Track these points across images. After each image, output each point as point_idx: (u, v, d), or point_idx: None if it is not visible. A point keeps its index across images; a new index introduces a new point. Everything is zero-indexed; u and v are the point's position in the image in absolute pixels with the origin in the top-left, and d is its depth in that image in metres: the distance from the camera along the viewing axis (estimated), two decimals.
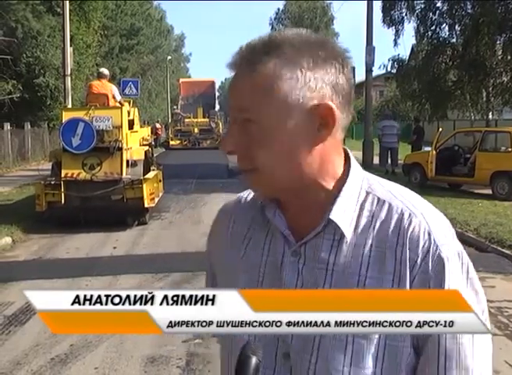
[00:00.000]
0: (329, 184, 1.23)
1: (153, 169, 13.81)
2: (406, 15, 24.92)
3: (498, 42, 23.12)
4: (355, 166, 1.26)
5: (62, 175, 11.70)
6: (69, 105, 21.89)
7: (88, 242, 10.65)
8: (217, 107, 56.56)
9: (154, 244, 10.46)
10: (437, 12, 24.28)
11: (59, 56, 25.29)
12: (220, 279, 1.46)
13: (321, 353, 1.18)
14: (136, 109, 14.66)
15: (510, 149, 15.60)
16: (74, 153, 11.71)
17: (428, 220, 1.19)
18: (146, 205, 11.96)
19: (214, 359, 5.41)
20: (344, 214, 1.20)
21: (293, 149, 1.17)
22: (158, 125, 49.43)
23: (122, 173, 11.89)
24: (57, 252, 9.97)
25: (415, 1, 24.97)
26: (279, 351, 1.25)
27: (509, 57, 22.42)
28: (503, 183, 15.38)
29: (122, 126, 12.17)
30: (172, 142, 43.58)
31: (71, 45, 23.76)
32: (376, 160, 22.38)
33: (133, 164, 12.21)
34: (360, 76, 26.68)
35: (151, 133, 25.90)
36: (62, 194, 11.55)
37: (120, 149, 11.96)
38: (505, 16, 21.77)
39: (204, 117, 46.01)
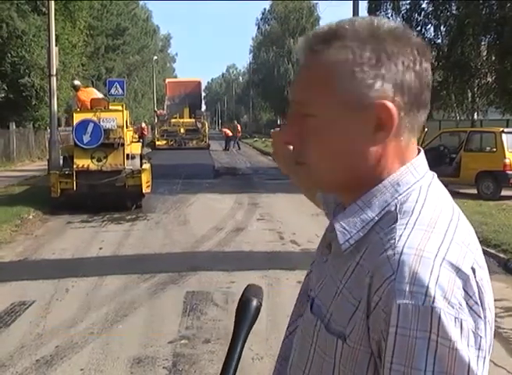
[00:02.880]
0: (361, 190, 1.13)
1: (145, 162, 15.44)
2: (391, 15, 25.02)
3: (483, 43, 23.27)
4: (403, 175, 1.12)
5: (75, 166, 13.88)
6: (55, 105, 22.07)
7: (74, 243, 10.61)
8: (203, 107, 56.51)
9: (141, 245, 10.44)
10: (422, 12, 24.41)
11: (45, 56, 25.13)
12: None
13: (297, 349, 1.20)
14: (128, 111, 16.68)
15: (494, 149, 15.72)
16: (84, 148, 13.93)
17: (405, 258, 0.99)
18: (143, 191, 14.33)
19: (200, 360, 5.41)
20: (349, 223, 1.11)
21: (344, 149, 1.10)
22: (143, 125, 49.32)
23: (124, 165, 14.23)
24: (43, 253, 9.91)
25: (400, 2, 25.10)
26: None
27: (493, 58, 22.57)
28: (488, 183, 15.49)
29: (123, 126, 14.46)
30: (158, 142, 43.58)
31: (56, 45, 23.61)
32: None
33: (132, 157, 14.61)
34: None
35: (136, 132, 26.21)
36: (74, 182, 13.79)
37: (122, 145, 14.25)
38: (489, 17, 21.92)
39: (190, 117, 46.03)
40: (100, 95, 16.32)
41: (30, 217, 13.02)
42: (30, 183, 19.44)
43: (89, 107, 14.83)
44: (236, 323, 1.27)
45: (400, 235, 1.03)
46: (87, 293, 7.51)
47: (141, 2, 72.32)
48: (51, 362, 5.40)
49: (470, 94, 24.00)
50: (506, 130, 16.38)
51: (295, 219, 12.52)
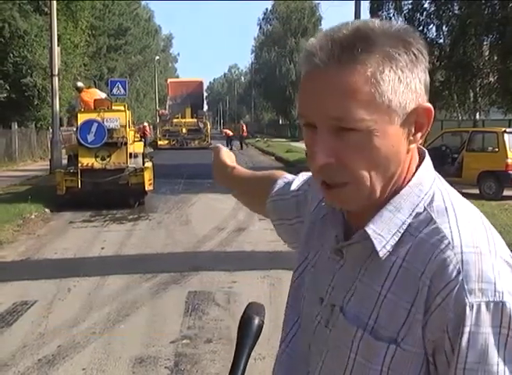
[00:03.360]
0: (388, 193, 1.11)
1: (147, 161, 15.97)
2: (393, 15, 25.03)
3: (485, 43, 23.25)
4: (422, 175, 1.13)
5: (80, 165, 14.36)
6: (57, 105, 22.31)
7: (76, 242, 10.62)
8: (205, 107, 56.51)
9: (142, 245, 10.44)
10: (424, 12, 24.40)
11: (47, 56, 25.19)
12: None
13: (327, 359, 1.16)
14: (130, 112, 16.99)
15: (496, 149, 15.70)
16: (89, 147, 14.41)
17: (467, 257, 1.01)
18: (146, 189, 14.73)
19: (202, 359, 5.41)
20: (383, 229, 1.09)
21: (391, 158, 1.07)
22: (145, 124, 49.30)
23: (127, 163, 14.69)
24: (45, 253, 9.92)
25: (403, 2, 25.09)
26: (306, 342, 1.23)
27: (495, 58, 22.55)
28: (490, 183, 15.48)
29: (126, 126, 14.93)
30: (160, 142, 43.59)
31: (58, 45, 23.68)
32: None
33: (135, 156, 15.17)
34: None
35: (138, 132, 26.40)
36: (79, 180, 14.24)
37: (125, 144, 14.68)
38: (491, 17, 21.89)
39: (192, 117, 46.04)
40: (103, 95, 16.90)
41: (33, 217, 13.03)
42: (32, 183, 19.45)
43: (92, 107, 15.27)
44: (238, 341, 1.24)
45: (451, 235, 1.04)
46: (89, 293, 7.51)
47: (143, 2, 72.53)
48: (53, 361, 5.40)
49: (472, 94, 23.99)
50: (508, 130, 16.35)
51: None
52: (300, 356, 1.26)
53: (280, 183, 1.57)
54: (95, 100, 15.58)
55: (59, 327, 6.26)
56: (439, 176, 1.16)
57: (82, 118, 14.84)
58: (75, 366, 5.31)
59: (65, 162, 21.13)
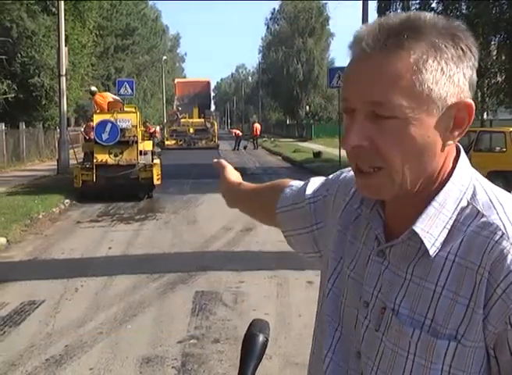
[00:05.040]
0: (433, 188, 1.12)
1: (155, 158, 17.39)
2: None
3: (492, 42, 23.18)
4: (462, 170, 1.13)
5: (95, 160, 15.89)
6: (64, 105, 22.72)
7: (83, 242, 10.63)
8: (212, 107, 56.57)
9: (150, 245, 10.45)
10: (432, 12, 24.33)
11: (54, 56, 25.27)
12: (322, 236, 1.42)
13: (382, 364, 1.14)
14: (139, 113, 18.43)
15: (504, 149, 15.66)
16: (103, 145, 15.96)
17: None
18: (154, 183, 16.22)
19: (209, 360, 5.41)
20: (431, 226, 1.09)
21: (426, 150, 1.07)
22: (154, 128, 49.17)
23: (137, 160, 16.24)
24: (52, 253, 9.94)
25: (410, 2, 25.05)
26: (353, 349, 1.21)
27: (503, 57, 22.49)
28: (498, 183, 15.00)
29: (137, 126, 16.51)
30: (167, 142, 43.61)
31: (66, 45, 23.77)
32: None
33: (145, 153, 16.78)
34: None
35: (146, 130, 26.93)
36: (94, 175, 15.71)
37: (136, 142, 16.29)
38: (499, 17, 21.83)
39: (199, 117, 46.09)
40: (115, 98, 18.52)
41: (40, 217, 13.06)
42: (40, 183, 19.48)
43: (106, 109, 16.98)
44: (242, 359, 1.23)
45: (504, 226, 1.04)
46: (96, 292, 7.52)
47: (150, 2, 72.73)
48: (61, 361, 5.41)
49: (479, 94, 23.91)
50: None
51: None
52: (348, 364, 1.23)
53: (288, 191, 1.55)
54: (109, 102, 17.28)
55: (67, 327, 6.27)
56: (475, 170, 1.16)
57: (97, 119, 16.27)
58: (82, 366, 5.32)
59: (72, 162, 21.42)
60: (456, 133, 1.09)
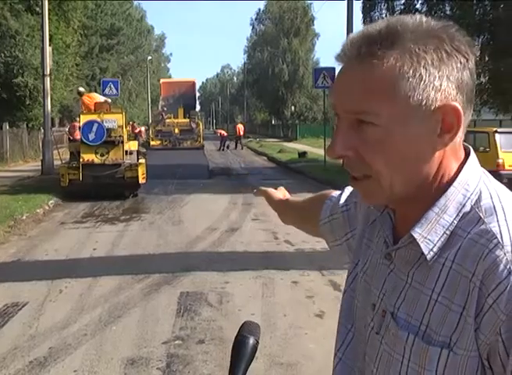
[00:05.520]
0: (432, 194, 1.10)
1: (141, 158, 17.93)
2: (386, 16, 25.06)
3: (476, 43, 23.30)
4: (467, 174, 1.11)
5: (81, 160, 16.24)
6: (49, 106, 22.64)
7: (68, 244, 10.58)
8: (198, 107, 56.54)
9: (135, 245, 10.41)
10: (416, 13, 24.36)
11: (38, 56, 25.14)
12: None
13: (380, 366, 1.14)
14: (125, 113, 18.75)
15: (488, 149, 15.74)
16: (90, 145, 16.28)
17: None
18: (140, 182, 16.60)
19: (194, 360, 5.40)
20: (430, 231, 1.08)
21: (412, 156, 1.06)
22: (139, 128, 49.07)
23: (123, 159, 16.56)
24: (36, 254, 9.88)
25: (395, 3, 25.14)
26: (361, 350, 1.22)
27: (487, 58, 22.62)
28: None
29: (123, 126, 16.83)
30: (152, 142, 43.54)
31: (50, 45, 23.62)
32: None
33: (130, 153, 17.15)
34: None
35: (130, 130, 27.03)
36: (81, 174, 16.10)
37: (122, 142, 16.59)
38: (483, 18, 21.97)
39: (184, 117, 46.07)
40: (102, 99, 18.72)
41: (24, 218, 12.98)
42: (24, 183, 19.37)
43: (93, 110, 17.23)
44: (232, 362, 1.22)
45: (501, 234, 1.02)
46: (80, 294, 7.48)
47: (135, 2, 72.36)
48: (44, 363, 5.37)
49: None
50: (499, 130, 16.43)
51: None
52: (356, 365, 1.24)
53: (328, 203, 1.57)
54: (96, 103, 17.58)
55: (50, 329, 6.23)
56: (487, 173, 1.14)
57: (84, 119, 16.63)
58: (66, 368, 5.29)
59: (56, 162, 21.34)
60: (447, 137, 1.06)
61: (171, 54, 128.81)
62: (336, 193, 1.60)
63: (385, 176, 1.07)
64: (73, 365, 5.34)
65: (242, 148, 44.73)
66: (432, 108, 1.04)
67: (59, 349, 5.69)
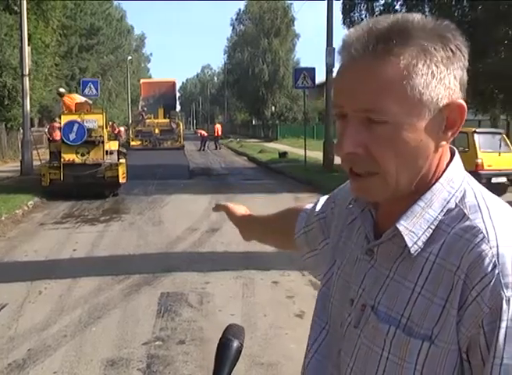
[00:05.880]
0: (419, 190, 1.12)
1: (121, 157, 17.99)
2: (365, 16, 25.15)
3: None
4: (453, 172, 1.14)
5: (62, 160, 16.45)
6: (28, 106, 22.51)
7: (47, 244, 10.51)
8: (178, 107, 56.45)
9: (115, 246, 10.37)
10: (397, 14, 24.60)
11: (17, 56, 24.93)
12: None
13: (358, 360, 1.15)
14: (105, 113, 18.98)
15: (467, 149, 15.85)
16: (70, 144, 16.51)
17: (503, 250, 1.01)
18: (120, 182, 16.78)
19: (174, 361, 5.39)
20: (415, 225, 1.10)
21: (420, 153, 1.08)
22: (119, 128, 48.92)
23: (103, 159, 16.78)
24: (15, 255, 9.80)
25: (374, 3, 25.23)
26: (336, 347, 1.23)
27: None
28: None
29: (103, 126, 17.10)
30: (133, 143, 43.40)
31: (29, 45, 23.44)
32: (337, 160, 22.57)
33: (111, 153, 17.33)
34: (321, 76, 26.78)
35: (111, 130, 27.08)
36: (62, 173, 16.30)
37: (102, 142, 16.83)
38: (461, 19, 22.12)
39: (164, 118, 46.01)
40: (83, 99, 18.90)
41: (3, 219, 12.87)
42: (3, 184, 19.21)
43: (73, 110, 17.39)
44: (216, 365, 1.22)
45: (486, 229, 1.04)
46: (60, 295, 7.44)
47: (115, 2, 72.07)
48: (24, 365, 5.34)
49: None
50: (478, 130, 16.56)
51: None
52: (330, 362, 1.25)
53: (303, 215, 1.57)
54: (76, 103, 17.76)
55: (30, 331, 6.19)
56: (469, 174, 1.17)
57: (65, 119, 16.87)
58: (46, 370, 5.26)
59: (36, 163, 21.23)
60: (450, 133, 1.09)
61: (151, 54, 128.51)
62: (309, 206, 1.60)
63: (392, 173, 1.08)
64: (53, 366, 5.31)
65: (219, 148, 44.74)
66: (441, 105, 1.06)
67: (38, 351, 5.65)
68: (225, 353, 1.24)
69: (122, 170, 16.90)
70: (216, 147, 45.27)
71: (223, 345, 1.25)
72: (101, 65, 62.54)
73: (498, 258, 1.00)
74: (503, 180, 15.97)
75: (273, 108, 66.86)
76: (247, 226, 1.88)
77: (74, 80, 49.11)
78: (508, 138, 17.02)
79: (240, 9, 73.79)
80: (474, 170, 15.32)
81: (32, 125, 27.01)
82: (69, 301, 7.22)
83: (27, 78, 22.69)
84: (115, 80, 70.30)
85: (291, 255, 9.27)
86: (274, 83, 65.75)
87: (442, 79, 1.06)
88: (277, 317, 6.55)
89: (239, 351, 1.26)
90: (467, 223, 1.06)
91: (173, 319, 6.51)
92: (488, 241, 1.02)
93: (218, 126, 48.33)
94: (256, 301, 7.14)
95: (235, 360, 1.24)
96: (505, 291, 0.98)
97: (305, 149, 24.00)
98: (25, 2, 22.72)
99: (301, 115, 45.69)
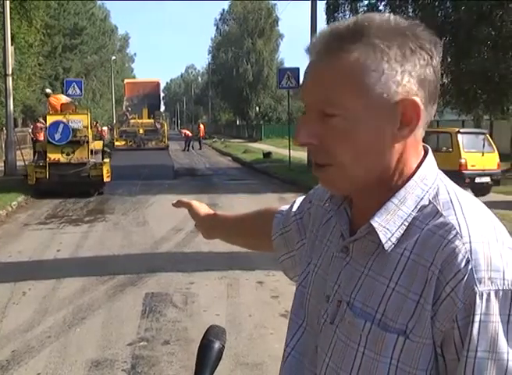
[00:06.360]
0: (392, 187, 1.14)
1: (105, 157, 18.29)
2: (349, 17, 25.16)
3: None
4: (426, 170, 1.15)
5: (48, 159, 16.79)
6: (11, 106, 22.45)
7: (31, 245, 10.45)
8: (162, 108, 56.36)
9: (99, 247, 10.33)
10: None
11: (0, 55, 24.75)
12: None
13: (334, 356, 1.16)
14: (90, 114, 19.45)
15: (451, 149, 15.95)
16: (56, 144, 16.86)
17: (475, 246, 1.02)
18: (104, 180, 17.19)
19: (159, 361, 5.38)
20: (389, 221, 1.11)
21: (372, 147, 1.10)
22: (101, 127, 48.71)
23: (88, 158, 17.14)
24: None
25: (358, 4, 25.32)
26: (313, 344, 1.24)
27: (449, 59, 22.91)
28: None
29: (88, 127, 17.53)
30: (117, 143, 43.29)
31: (12, 44, 23.31)
32: None
33: (95, 152, 17.67)
34: None
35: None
36: (47, 172, 16.65)
37: (87, 142, 17.19)
38: (444, 20, 22.24)
39: (149, 118, 45.96)
40: (68, 100, 19.53)
41: None
42: None
43: (59, 110, 17.90)
44: (197, 366, 1.22)
45: (459, 225, 1.06)
46: (44, 296, 7.40)
47: (99, 2, 71.52)
48: (7, 367, 5.31)
49: None
50: (461, 130, 16.66)
51: None
52: (306, 358, 1.26)
53: (279, 217, 1.57)
54: (62, 104, 18.28)
55: (13, 332, 6.15)
56: (441, 172, 1.19)
57: (50, 119, 17.34)
58: (29, 371, 5.23)
59: (19, 163, 21.09)
60: (406, 130, 1.10)
61: (135, 54, 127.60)
62: (284, 207, 1.61)
63: (346, 166, 1.11)
64: (37, 367, 5.29)
65: (200, 148, 44.66)
66: (393, 101, 1.08)
67: (23, 352, 5.62)
68: (207, 354, 1.24)
69: (106, 169, 17.22)
70: (201, 147, 45.24)
71: (205, 346, 1.25)
72: (85, 65, 62.26)
73: (471, 253, 1.02)
74: (487, 179, 16.08)
75: (257, 108, 66.95)
76: (212, 225, 1.87)
77: (58, 80, 48.88)
78: (491, 138, 17.13)
79: (223, 9, 73.94)
80: (458, 170, 15.41)
81: (15, 125, 26.75)
82: (53, 302, 7.18)
83: (10, 78, 22.57)
84: (99, 80, 70.02)
85: (275, 256, 9.31)
86: (258, 84, 65.83)
87: (394, 76, 1.07)
88: (262, 317, 6.56)
89: (220, 352, 1.26)
90: (441, 219, 1.08)
91: (158, 319, 6.50)
92: (461, 237, 1.04)
93: (201, 126, 48.36)
94: (241, 301, 7.14)
95: (217, 361, 1.24)
96: (478, 286, 1.00)
97: (289, 149, 24.02)
98: (8, 2, 22.59)
99: (286, 115, 45.69)
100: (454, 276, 1.01)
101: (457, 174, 15.42)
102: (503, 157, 17.97)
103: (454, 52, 21.91)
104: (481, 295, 1.00)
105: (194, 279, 8.08)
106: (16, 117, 31.98)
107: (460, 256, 1.02)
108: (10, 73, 22.43)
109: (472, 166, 15.70)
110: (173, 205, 2.01)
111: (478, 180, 15.81)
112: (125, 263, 9.08)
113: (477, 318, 1.00)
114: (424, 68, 1.09)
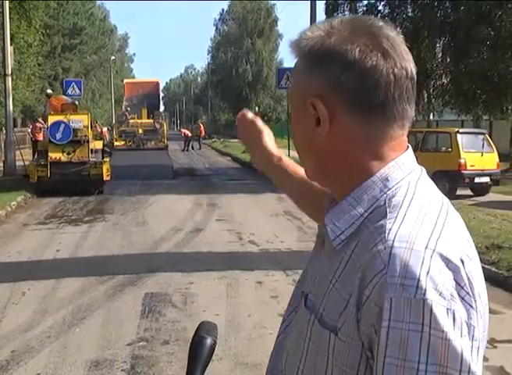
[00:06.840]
0: (348, 185, 1.14)
1: (105, 156, 18.71)
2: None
3: (438, 45, 23.59)
4: (390, 170, 1.13)
5: (49, 158, 17.21)
6: (10, 106, 22.44)
7: (31, 245, 10.45)
8: (161, 108, 56.36)
9: (98, 247, 10.33)
10: (379, 14, 24.64)
11: None
12: None
13: (292, 345, 1.20)
14: (90, 114, 20.04)
15: (450, 149, 15.97)
16: (57, 143, 17.30)
17: (396, 251, 1.00)
18: (104, 179, 17.51)
19: (159, 361, 5.38)
20: (340, 219, 1.12)
21: (304, 145, 1.21)
22: (104, 129, 48.64)
23: (88, 157, 17.51)
24: None
25: (358, 4, 25.33)
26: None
27: (448, 59, 22.92)
28: (444, 183, 15.70)
29: (88, 126, 17.94)
30: (116, 143, 43.19)
31: (11, 44, 23.30)
32: None
33: (95, 151, 17.99)
34: None
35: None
36: (48, 171, 17.03)
37: (87, 141, 17.58)
38: (444, 20, 22.26)
39: (148, 118, 45.86)
40: (69, 100, 20.04)
41: None
42: None
43: (60, 111, 18.25)
44: (190, 362, 1.23)
45: (390, 229, 1.04)
46: (44, 296, 7.41)
47: (98, 2, 71.48)
48: (7, 367, 5.31)
49: (426, 95, 24.32)
50: (461, 130, 16.67)
51: (254, 220, 12.55)
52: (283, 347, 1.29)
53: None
54: (63, 104, 18.72)
55: (13, 332, 6.16)
56: (424, 172, 1.17)
57: (52, 119, 17.76)
58: (29, 371, 5.23)
59: (19, 163, 21.10)
60: (320, 129, 1.14)
61: (134, 54, 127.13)
62: None
63: (302, 159, 1.25)
64: (36, 368, 5.29)
65: (200, 148, 44.61)
66: (307, 102, 1.14)
67: (22, 352, 5.62)
68: (199, 350, 1.25)
69: (106, 168, 17.56)
70: (200, 147, 45.19)
71: (196, 343, 1.26)
72: (85, 65, 62.22)
73: (389, 258, 1.00)
74: (486, 179, 16.10)
75: (257, 108, 66.91)
76: (273, 165, 1.76)
77: (57, 80, 48.86)
78: (491, 138, 17.14)
79: (223, 9, 73.76)
80: (457, 170, 15.44)
81: (15, 125, 26.74)
82: (53, 302, 7.19)
83: (10, 78, 22.56)
84: (98, 80, 69.98)
85: (275, 256, 9.32)
86: (257, 84, 65.87)
87: (311, 77, 1.15)
88: (261, 317, 6.56)
89: (212, 348, 1.27)
90: (382, 221, 1.06)
91: (157, 319, 6.50)
92: (386, 241, 1.02)
93: (201, 126, 48.36)
94: (240, 301, 7.14)
95: (209, 357, 1.25)
96: (389, 291, 0.98)
97: (289, 149, 23.99)
98: (7, 2, 22.59)
99: (285, 115, 45.68)
100: (371, 279, 1.00)
101: (457, 174, 15.46)
102: (502, 157, 17.99)
103: (453, 52, 21.95)
104: (390, 301, 0.98)
105: (194, 279, 8.08)
106: (16, 117, 31.95)
107: (379, 260, 1.00)
108: (9, 73, 22.42)
109: (471, 166, 15.72)
110: (238, 119, 1.79)
111: (477, 180, 15.84)
112: (124, 263, 9.08)
113: (385, 323, 0.98)
114: (341, 72, 1.10)
